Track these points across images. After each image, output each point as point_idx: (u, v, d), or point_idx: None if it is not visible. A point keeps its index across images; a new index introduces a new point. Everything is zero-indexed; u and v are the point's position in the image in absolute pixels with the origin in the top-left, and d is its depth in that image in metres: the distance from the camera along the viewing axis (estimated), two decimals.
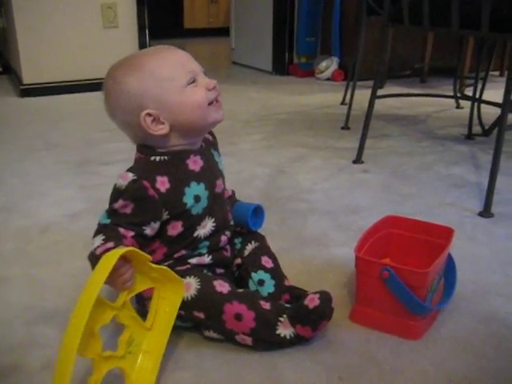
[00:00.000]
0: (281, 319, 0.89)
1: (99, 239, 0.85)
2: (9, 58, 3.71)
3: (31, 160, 1.95)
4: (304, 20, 3.61)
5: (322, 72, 3.57)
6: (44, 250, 1.28)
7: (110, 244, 0.84)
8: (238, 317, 0.88)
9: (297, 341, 0.90)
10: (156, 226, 0.92)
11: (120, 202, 0.88)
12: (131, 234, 0.88)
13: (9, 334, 0.97)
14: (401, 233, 1.09)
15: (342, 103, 2.80)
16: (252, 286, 1.01)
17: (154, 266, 0.82)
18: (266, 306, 0.90)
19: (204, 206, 0.96)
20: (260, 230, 1.16)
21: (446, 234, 1.04)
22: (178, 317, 0.89)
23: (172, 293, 0.86)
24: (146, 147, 0.95)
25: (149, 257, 0.80)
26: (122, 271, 0.78)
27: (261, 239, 1.09)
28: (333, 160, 1.93)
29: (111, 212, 0.89)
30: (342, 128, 2.35)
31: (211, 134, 1.07)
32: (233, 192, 1.16)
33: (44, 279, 1.15)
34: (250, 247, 1.06)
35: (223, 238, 1.00)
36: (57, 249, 1.28)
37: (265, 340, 0.89)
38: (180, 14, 6.87)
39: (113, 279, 0.78)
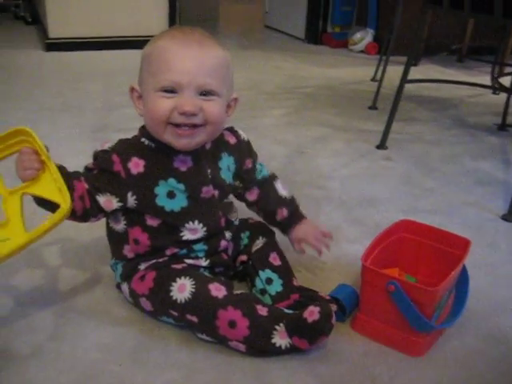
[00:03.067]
0: (277, 327, 0.85)
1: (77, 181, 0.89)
2: (38, 9, 3.66)
3: (45, 121, 1.92)
4: None
5: (355, 43, 3.44)
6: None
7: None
8: (232, 324, 0.83)
9: (292, 351, 0.86)
10: (114, 201, 0.89)
11: (90, 164, 0.91)
12: (86, 186, 0.88)
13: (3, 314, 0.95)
14: (414, 238, 1.03)
15: (373, 79, 2.68)
16: (259, 285, 0.97)
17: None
18: (264, 311, 0.86)
19: (182, 206, 0.91)
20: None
21: (462, 244, 0.98)
22: (171, 317, 0.87)
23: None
24: (143, 128, 0.92)
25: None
26: (24, 157, 0.84)
27: (269, 235, 1.04)
28: (355, 143, 1.86)
29: (86, 166, 0.92)
30: (370, 108, 2.26)
31: (236, 136, 1.01)
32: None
33: (44, 256, 1.12)
34: (257, 243, 1.02)
35: (223, 243, 0.96)
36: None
37: (259, 349, 0.85)
38: None
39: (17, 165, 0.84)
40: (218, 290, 0.86)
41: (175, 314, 0.86)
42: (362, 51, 3.42)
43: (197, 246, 0.93)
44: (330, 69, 2.99)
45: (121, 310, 0.96)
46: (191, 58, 0.83)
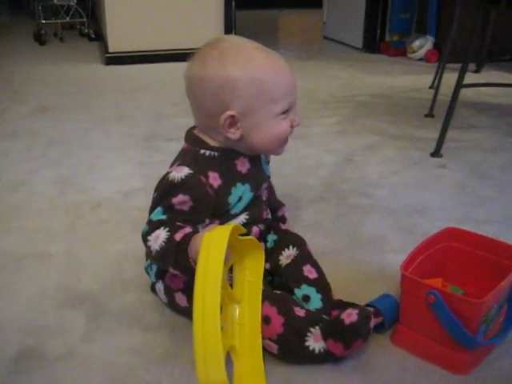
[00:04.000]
0: (312, 330, 0.81)
1: (163, 232, 0.81)
2: (101, 26, 3.80)
3: (100, 130, 1.97)
4: None
5: (414, 51, 3.34)
6: (91, 229, 1.27)
7: (187, 229, 0.81)
8: (267, 320, 0.81)
9: (326, 357, 0.82)
10: (207, 222, 0.88)
11: (179, 197, 0.83)
12: (189, 228, 0.83)
13: (36, 314, 0.96)
14: (462, 248, 0.96)
15: (431, 87, 2.58)
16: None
17: (241, 238, 0.79)
18: (301, 313, 0.83)
19: (243, 207, 0.91)
20: (311, 224, 1.08)
21: None
22: None
23: (253, 262, 0.83)
24: (196, 139, 0.90)
25: (243, 229, 0.78)
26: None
27: (300, 243, 1.00)
28: (408, 151, 1.78)
29: (167, 207, 0.84)
30: (426, 115, 2.18)
31: None
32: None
33: (84, 260, 1.13)
34: (287, 253, 0.98)
35: (255, 229, 0.94)
36: (104, 228, 1.27)
37: (292, 350, 0.82)
38: None
39: None
40: None
41: None
42: (421, 59, 3.32)
43: None
44: (386, 77, 2.92)
45: (153, 315, 0.95)
46: (293, 78, 0.88)
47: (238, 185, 0.89)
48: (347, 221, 1.31)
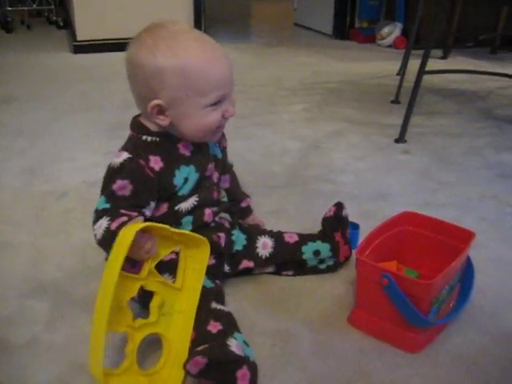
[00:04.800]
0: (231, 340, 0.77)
1: (105, 221, 0.82)
2: (69, 13, 3.74)
3: (68, 120, 1.95)
4: None
5: (383, 38, 3.38)
6: (56, 218, 1.27)
7: (123, 218, 0.81)
8: None
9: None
10: (153, 205, 0.89)
11: (118, 183, 0.84)
12: (134, 214, 0.84)
13: (0, 305, 0.97)
14: (418, 231, 0.99)
15: (399, 74, 2.61)
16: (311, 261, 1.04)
17: (175, 230, 0.79)
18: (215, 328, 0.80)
19: (190, 188, 0.93)
20: (274, 210, 1.17)
21: (466, 237, 0.93)
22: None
23: (197, 251, 0.82)
24: (139, 125, 0.91)
25: (167, 226, 0.77)
26: (142, 242, 0.76)
27: (275, 234, 1.06)
28: (373, 137, 1.82)
29: (109, 195, 0.85)
30: (392, 102, 2.21)
31: None
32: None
33: (48, 249, 1.14)
34: (262, 243, 1.03)
35: (207, 212, 0.95)
36: (69, 217, 1.27)
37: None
38: None
39: (134, 252, 0.76)
40: None
41: None
42: (390, 46, 3.36)
43: (183, 218, 0.93)
44: (355, 64, 2.95)
45: None
46: (227, 68, 0.87)
47: (182, 167, 0.91)
48: (311, 207, 1.33)
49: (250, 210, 1.16)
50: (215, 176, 0.98)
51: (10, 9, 3.76)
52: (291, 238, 1.04)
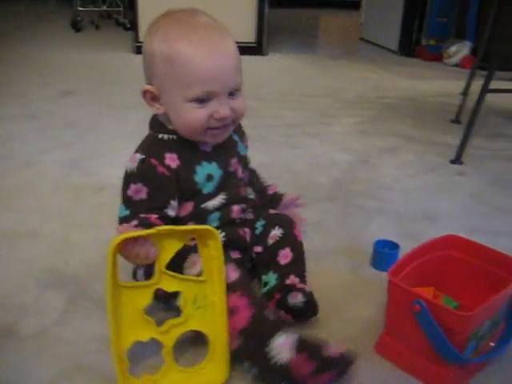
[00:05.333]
0: (278, 337, 0.74)
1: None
2: (135, 16, 3.81)
3: (117, 117, 1.96)
4: None
5: (450, 57, 3.24)
6: (89, 212, 1.26)
7: (134, 222, 0.79)
8: (233, 310, 0.77)
9: (281, 372, 0.72)
10: (175, 204, 0.86)
11: (132, 187, 0.82)
12: (154, 216, 0.82)
13: (18, 293, 0.95)
14: (462, 257, 0.90)
15: (463, 93, 2.49)
16: (260, 290, 0.93)
17: (168, 228, 0.74)
18: (270, 316, 0.78)
19: (216, 185, 0.89)
20: (313, 222, 1.11)
21: None
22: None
23: (209, 239, 0.77)
24: (157, 124, 0.88)
25: (157, 228, 0.72)
26: (135, 251, 0.72)
27: (287, 225, 0.97)
28: (428, 156, 1.71)
29: (126, 201, 0.83)
30: (452, 121, 2.09)
31: None
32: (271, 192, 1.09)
33: (76, 242, 1.12)
34: (272, 234, 0.95)
35: (235, 208, 0.91)
36: (102, 212, 1.25)
37: (250, 351, 0.75)
38: None
39: (132, 261, 0.75)
40: (230, 272, 0.79)
41: None
42: (457, 65, 3.22)
43: (210, 215, 0.89)
44: (418, 80, 2.83)
45: None
46: (220, 64, 0.80)
47: (204, 163, 0.87)
48: (350, 222, 1.26)
49: (280, 196, 1.08)
50: (239, 172, 0.94)
51: (80, 9, 3.88)
52: (285, 258, 0.94)
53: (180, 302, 0.77)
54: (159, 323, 0.76)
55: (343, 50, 3.83)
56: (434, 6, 3.32)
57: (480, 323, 0.75)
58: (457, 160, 1.66)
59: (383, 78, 2.91)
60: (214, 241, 0.76)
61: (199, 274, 0.79)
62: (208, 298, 0.78)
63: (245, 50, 3.29)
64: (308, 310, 0.87)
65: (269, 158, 1.61)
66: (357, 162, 1.64)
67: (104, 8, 3.96)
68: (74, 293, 0.96)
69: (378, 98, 2.45)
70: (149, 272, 0.87)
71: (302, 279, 0.91)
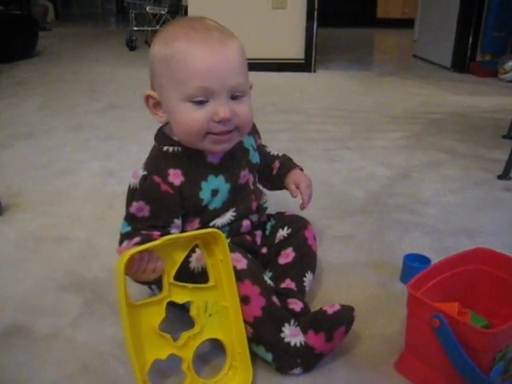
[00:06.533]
0: (288, 323, 0.76)
1: (125, 244, 0.79)
2: None
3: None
4: (494, 11, 3.17)
5: (506, 72, 3.11)
6: (119, 220, 1.25)
7: (136, 239, 0.78)
8: (246, 299, 0.75)
9: (303, 352, 0.75)
10: (179, 222, 0.84)
11: (134, 205, 0.81)
12: (157, 233, 0.79)
13: (37, 294, 0.96)
14: (493, 272, 0.84)
15: None
16: None
17: (173, 237, 0.73)
18: (278, 303, 0.78)
19: (224, 200, 0.85)
20: (344, 235, 1.09)
21: None
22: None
23: (215, 242, 0.75)
24: (162, 136, 0.86)
25: (162, 239, 0.71)
26: (142, 267, 0.71)
27: (298, 226, 0.93)
28: (474, 171, 1.63)
29: (129, 218, 0.82)
30: (504, 137, 1.99)
31: None
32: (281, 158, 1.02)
33: (100, 248, 1.12)
34: (280, 234, 0.92)
35: (245, 223, 0.88)
36: None
37: (266, 338, 0.76)
38: (373, 2, 6.65)
39: (139, 277, 0.72)
40: (238, 261, 0.77)
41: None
42: None
43: (221, 228, 0.86)
44: (469, 97, 2.73)
45: None
46: (217, 60, 0.76)
47: (210, 178, 0.83)
48: (384, 236, 1.20)
49: (284, 171, 0.99)
50: (251, 181, 0.90)
51: (135, 29, 4.00)
52: (285, 258, 0.90)
53: (193, 311, 0.75)
54: (175, 338, 0.73)
55: (395, 67, 3.76)
56: (489, 20, 3.21)
57: (508, 342, 0.69)
58: (504, 175, 1.57)
59: (433, 93, 2.82)
60: (220, 243, 0.74)
61: (204, 267, 0.77)
62: (219, 304, 0.76)
63: (293, 66, 3.35)
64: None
65: (305, 170, 1.57)
66: (397, 176, 1.58)
67: (157, 27, 4.06)
68: (92, 296, 0.95)
69: (426, 113, 2.37)
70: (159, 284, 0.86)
71: (300, 284, 0.87)
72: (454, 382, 0.71)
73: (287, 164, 1.00)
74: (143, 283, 0.78)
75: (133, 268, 0.70)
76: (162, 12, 3.99)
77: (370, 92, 2.84)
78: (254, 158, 0.92)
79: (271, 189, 1.03)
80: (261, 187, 0.97)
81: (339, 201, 1.40)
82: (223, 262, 0.75)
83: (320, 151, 1.80)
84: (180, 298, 0.74)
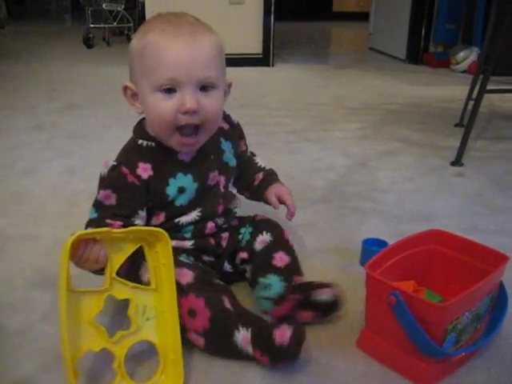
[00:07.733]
0: (241, 329, 0.77)
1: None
2: None
3: (119, 127, 1.97)
4: (446, 4, 3.28)
5: (458, 63, 3.23)
6: (84, 216, 1.26)
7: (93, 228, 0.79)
8: (192, 313, 0.77)
9: (254, 360, 0.77)
10: (143, 214, 0.86)
11: (102, 193, 0.83)
12: (119, 223, 0.81)
13: (6, 291, 0.97)
14: (445, 252, 0.89)
15: (468, 97, 2.47)
16: (258, 292, 0.90)
17: (122, 230, 0.74)
18: (229, 305, 0.79)
19: (190, 198, 0.88)
20: (305, 223, 1.10)
21: (499, 261, 0.83)
22: None
23: (160, 245, 0.77)
24: (139, 129, 0.89)
25: (106, 229, 0.73)
26: (85, 255, 0.73)
27: (275, 230, 0.95)
28: (428, 159, 1.70)
29: (97, 205, 0.84)
30: (456, 125, 2.08)
31: (229, 122, 0.97)
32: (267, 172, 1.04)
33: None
34: (261, 239, 0.94)
35: (209, 225, 0.90)
36: None
37: (219, 347, 0.78)
38: None
39: (81, 265, 0.75)
40: (183, 276, 0.80)
41: None
42: (464, 71, 3.20)
43: (184, 228, 0.89)
44: (423, 87, 2.83)
45: (116, 302, 0.93)
46: (186, 52, 0.78)
47: (179, 175, 0.86)
48: (343, 223, 1.25)
49: (266, 184, 1.00)
50: (222, 185, 0.92)
51: (92, 26, 3.96)
52: (281, 261, 0.91)
53: (130, 311, 0.76)
54: (111, 333, 0.74)
55: (351, 59, 3.84)
56: (441, 13, 3.31)
57: (457, 315, 0.74)
58: (456, 162, 1.64)
59: (389, 84, 2.91)
60: (164, 244, 0.76)
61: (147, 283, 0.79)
62: (158, 309, 0.77)
63: (251, 61, 3.37)
64: (337, 304, 0.86)
65: (266, 163, 1.61)
66: (355, 165, 1.64)
67: (114, 24, 4.03)
68: None
69: (382, 104, 2.45)
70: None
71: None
72: (411, 355, 0.76)
73: (270, 178, 1.01)
74: (94, 273, 0.79)
75: (77, 254, 0.72)
76: (119, 9, 3.96)
77: (328, 85, 2.90)
78: (230, 160, 0.94)
79: (249, 198, 1.05)
80: (234, 191, 0.99)
81: (300, 191, 1.44)
82: (165, 266, 0.76)
83: (280, 144, 1.84)
84: (120, 294, 0.76)
